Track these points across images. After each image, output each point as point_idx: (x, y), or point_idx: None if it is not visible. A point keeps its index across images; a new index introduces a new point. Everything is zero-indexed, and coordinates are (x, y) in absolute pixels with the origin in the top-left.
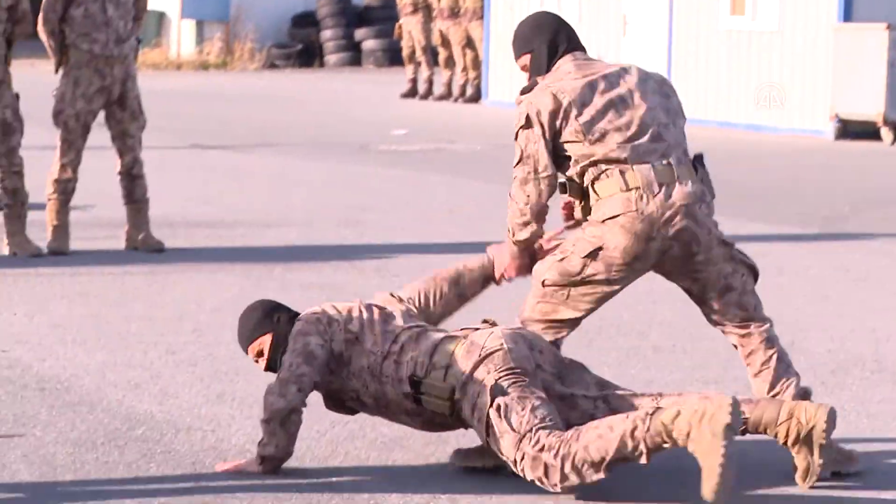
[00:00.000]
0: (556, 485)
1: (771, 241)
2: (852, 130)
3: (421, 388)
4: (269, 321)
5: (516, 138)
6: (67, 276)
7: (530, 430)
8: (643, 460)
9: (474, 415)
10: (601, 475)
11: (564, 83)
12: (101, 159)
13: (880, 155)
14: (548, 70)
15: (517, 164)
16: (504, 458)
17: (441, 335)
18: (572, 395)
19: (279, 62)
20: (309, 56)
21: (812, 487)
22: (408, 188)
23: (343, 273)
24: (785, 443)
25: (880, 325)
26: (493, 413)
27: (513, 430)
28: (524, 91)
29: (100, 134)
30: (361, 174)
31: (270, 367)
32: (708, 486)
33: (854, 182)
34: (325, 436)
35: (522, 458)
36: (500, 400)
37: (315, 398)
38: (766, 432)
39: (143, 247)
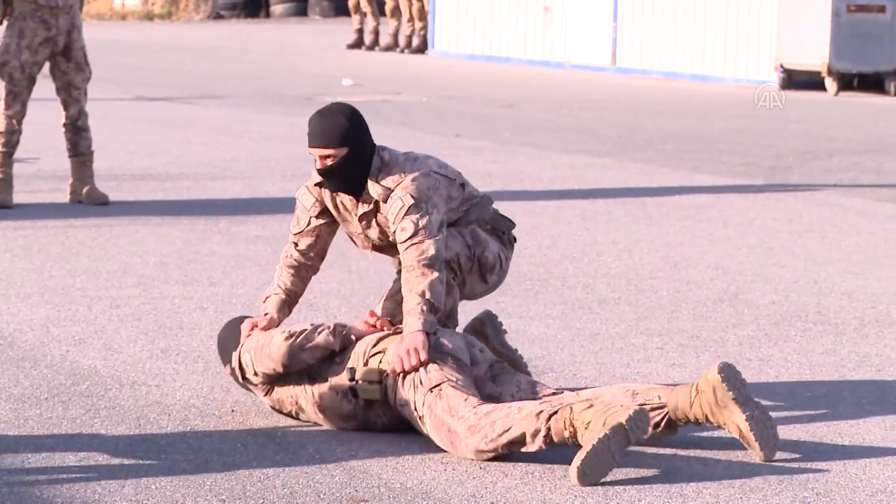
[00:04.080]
0: (456, 451)
1: (716, 192)
2: (797, 80)
3: (355, 374)
4: None
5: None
6: (10, 229)
7: (439, 385)
8: (535, 447)
9: (402, 385)
10: (496, 452)
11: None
12: (45, 111)
13: (825, 105)
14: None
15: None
16: (413, 416)
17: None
18: (500, 394)
19: (224, 13)
20: (254, 6)
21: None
22: None
23: (288, 225)
24: (709, 420)
25: (823, 276)
26: (411, 378)
27: (428, 388)
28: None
29: (44, 85)
30: (307, 126)
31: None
32: (578, 458)
33: (798, 133)
34: None
35: (429, 415)
36: (423, 372)
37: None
38: (693, 421)
39: (87, 200)
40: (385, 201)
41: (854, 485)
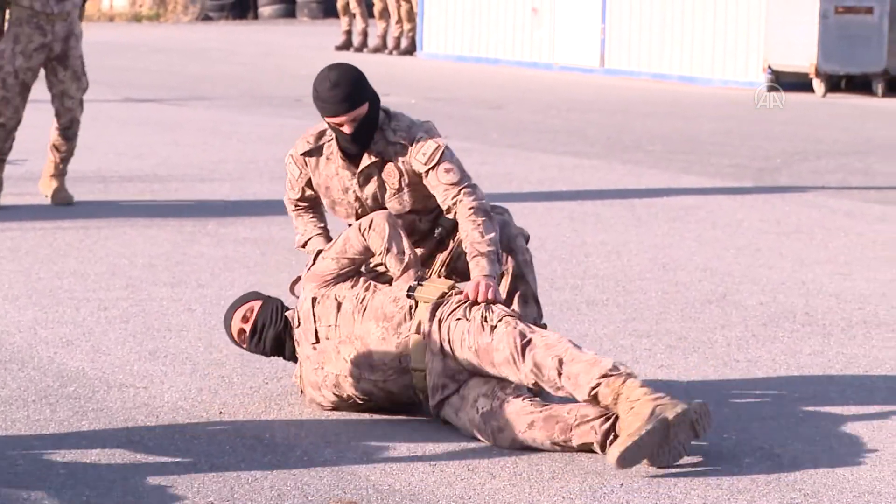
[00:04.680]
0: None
1: (704, 193)
2: (785, 82)
3: (414, 290)
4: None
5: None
6: None
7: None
8: (581, 395)
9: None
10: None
11: None
12: (34, 113)
13: (813, 107)
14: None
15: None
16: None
17: None
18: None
19: (213, 14)
20: (243, 8)
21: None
22: None
23: (277, 227)
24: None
25: (811, 277)
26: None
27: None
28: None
29: (34, 88)
30: (295, 127)
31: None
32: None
33: (786, 134)
34: (259, 392)
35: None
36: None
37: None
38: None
39: (53, 200)
40: (411, 143)
41: (842, 485)
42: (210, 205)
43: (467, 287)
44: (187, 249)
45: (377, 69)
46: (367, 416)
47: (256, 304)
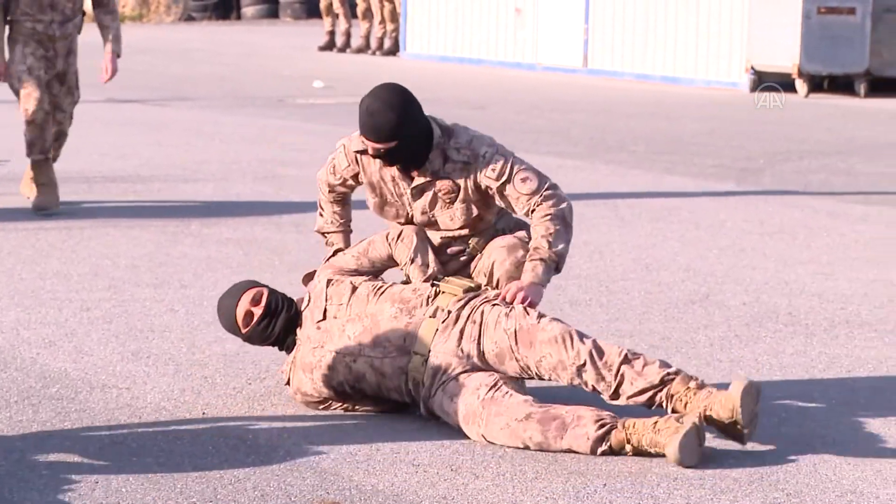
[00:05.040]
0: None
1: (687, 193)
2: (767, 82)
3: (439, 280)
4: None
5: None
6: None
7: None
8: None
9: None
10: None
11: None
12: (17, 114)
13: (795, 107)
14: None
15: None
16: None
17: None
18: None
19: (196, 14)
20: (226, 8)
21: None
22: (325, 142)
23: (260, 228)
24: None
25: (794, 277)
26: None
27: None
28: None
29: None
30: (279, 128)
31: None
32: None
33: (769, 135)
34: (242, 392)
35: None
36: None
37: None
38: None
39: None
40: (474, 162)
41: (824, 485)
42: (193, 205)
43: (509, 286)
44: (170, 250)
45: (360, 69)
46: (350, 416)
47: (265, 290)
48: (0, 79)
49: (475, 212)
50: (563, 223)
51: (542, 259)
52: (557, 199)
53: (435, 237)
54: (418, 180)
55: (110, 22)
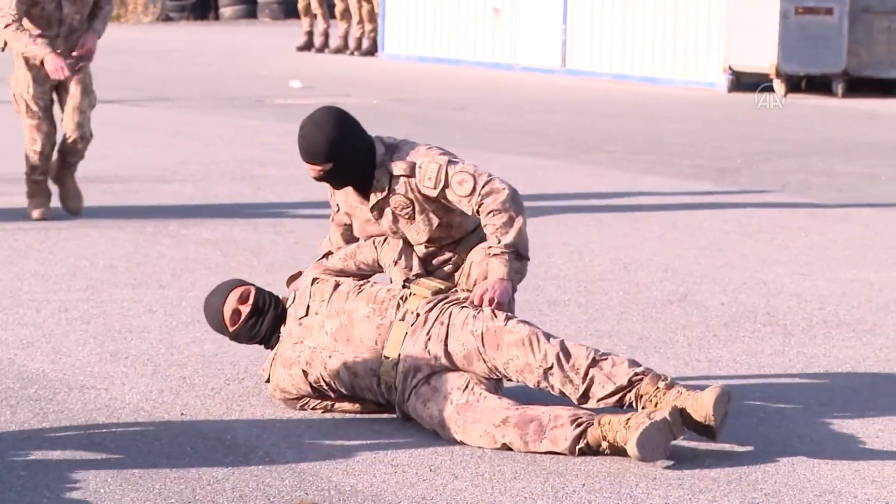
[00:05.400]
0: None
1: (665, 194)
2: (745, 83)
3: (410, 281)
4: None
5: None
6: None
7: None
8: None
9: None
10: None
11: None
12: (5, 116)
13: (773, 107)
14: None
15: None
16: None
17: None
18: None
19: (174, 15)
20: (204, 9)
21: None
22: None
23: (239, 229)
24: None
25: (771, 277)
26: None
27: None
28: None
29: (2, 89)
30: (257, 128)
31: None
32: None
33: (747, 135)
34: (220, 393)
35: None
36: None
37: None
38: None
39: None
40: (412, 174)
41: (802, 485)
42: (172, 206)
43: (475, 289)
44: (148, 251)
45: (338, 70)
46: (328, 416)
47: (252, 288)
48: (60, 73)
49: (436, 221)
50: (506, 213)
51: (496, 255)
52: (495, 191)
53: (419, 249)
54: (373, 199)
55: (104, 5)
